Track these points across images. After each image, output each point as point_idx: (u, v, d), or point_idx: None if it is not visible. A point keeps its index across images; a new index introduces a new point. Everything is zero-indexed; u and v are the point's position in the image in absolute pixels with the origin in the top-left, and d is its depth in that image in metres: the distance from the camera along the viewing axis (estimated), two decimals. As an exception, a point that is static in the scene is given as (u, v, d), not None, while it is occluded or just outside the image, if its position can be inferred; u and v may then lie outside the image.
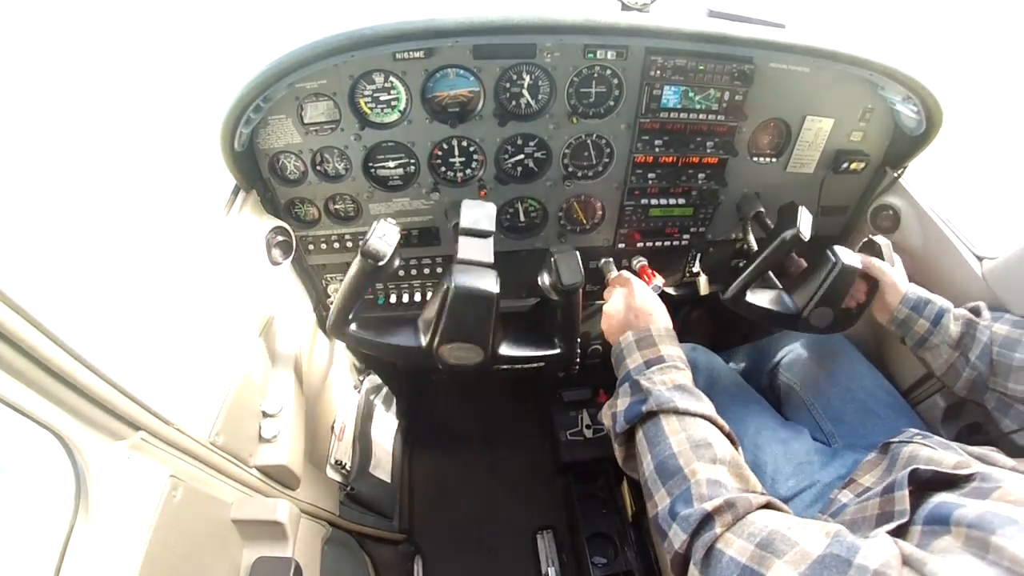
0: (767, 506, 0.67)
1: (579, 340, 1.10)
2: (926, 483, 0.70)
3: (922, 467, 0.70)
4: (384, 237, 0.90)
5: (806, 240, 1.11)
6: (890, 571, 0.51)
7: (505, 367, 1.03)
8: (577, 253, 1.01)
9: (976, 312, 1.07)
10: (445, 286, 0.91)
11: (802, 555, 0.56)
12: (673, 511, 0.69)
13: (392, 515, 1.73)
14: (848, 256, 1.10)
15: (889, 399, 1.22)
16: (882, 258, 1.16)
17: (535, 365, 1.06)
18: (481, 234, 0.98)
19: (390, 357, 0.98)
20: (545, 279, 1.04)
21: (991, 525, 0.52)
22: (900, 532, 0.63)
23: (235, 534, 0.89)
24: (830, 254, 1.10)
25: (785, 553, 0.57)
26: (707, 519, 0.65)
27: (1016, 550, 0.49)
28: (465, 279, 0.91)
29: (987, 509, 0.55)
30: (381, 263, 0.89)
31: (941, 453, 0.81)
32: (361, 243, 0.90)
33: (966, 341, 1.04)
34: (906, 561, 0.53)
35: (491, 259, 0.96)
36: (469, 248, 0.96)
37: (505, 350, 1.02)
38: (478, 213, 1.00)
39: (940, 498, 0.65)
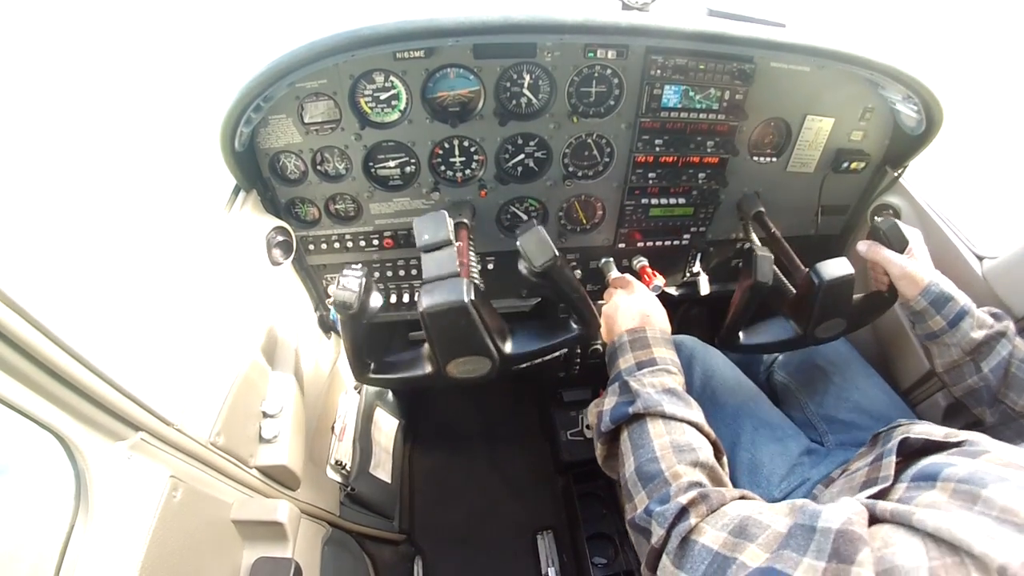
0: (741, 499, 0.67)
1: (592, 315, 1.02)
2: (917, 452, 0.70)
3: (913, 436, 0.71)
4: (346, 287, 0.88)
5: (769, 286, 1.10)
6: (854, 527, 0.51)
7: (525, 365, 0.99)
8: (541, 228, 0.91)
9: (998, 318, 1.01)
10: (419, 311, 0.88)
11: (774, 536, 0.57)
12: (648, 509, 0.69)
13: (392, 515, 1.73)
14: (833, 268, 1.04)
15: (884, 400, 1.21)
16: (889, 245, 1.07)
17: (555, 355, 1.02)
18: (437, 246, 0.93)
19: (412, 387, 0.97)
20: (522, 266, 0.97)
21: (982, 481, 0.51)
22: (882, 496, 0.63)
23: (235, 534, 0.89)
24: (812, 276, 1.05)
25: (757, 537, 0.58)
26: (682, 512, 0.65)
27: (1007, 501, 0.48)
28: (430, 299, 0.86)
29: (977, 467, 0.55)
30: (352, 311, 0.88)
31: (930, 427, 0.81)
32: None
33: (983, 350, 0.99)
34: (891, 518, 0.52)
35: (455, 267, 0.90)
36: (430, 265, 0.91)
37: (514, 349, 0.98)
38: (429, 226, 0.94)
39: (929, 459, 0.65)
